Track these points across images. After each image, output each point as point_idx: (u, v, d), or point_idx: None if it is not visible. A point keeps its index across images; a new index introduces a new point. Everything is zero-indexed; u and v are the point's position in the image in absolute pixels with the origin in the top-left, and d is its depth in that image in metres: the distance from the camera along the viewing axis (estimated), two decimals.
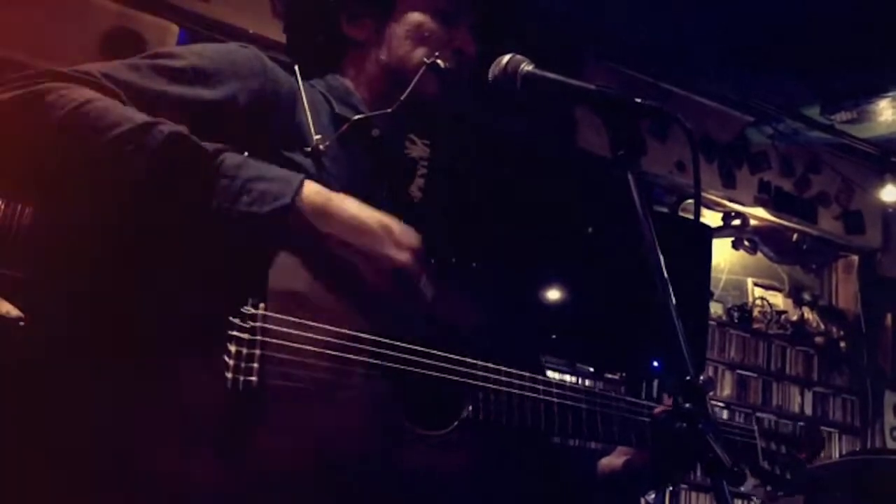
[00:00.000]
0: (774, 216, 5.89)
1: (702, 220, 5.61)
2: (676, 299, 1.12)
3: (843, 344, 6.28)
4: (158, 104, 1.21)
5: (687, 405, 1.06)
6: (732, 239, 6.06)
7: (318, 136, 1.36)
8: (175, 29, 3.95)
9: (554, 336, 3.88)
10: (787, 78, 5.11)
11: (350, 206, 1.24)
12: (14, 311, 1.92)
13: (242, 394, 1.13)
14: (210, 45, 1.38)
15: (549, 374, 1.47)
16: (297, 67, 1.46)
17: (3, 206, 3.59)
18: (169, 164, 1.12)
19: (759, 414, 5.73)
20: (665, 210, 5.52)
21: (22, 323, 1.06)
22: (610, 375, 4.79)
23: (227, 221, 1.15)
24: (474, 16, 1.55)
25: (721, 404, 5.66)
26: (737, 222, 5.86)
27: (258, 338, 1.16)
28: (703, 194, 5.59)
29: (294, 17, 1.60)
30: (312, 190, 1.21)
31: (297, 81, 1.43)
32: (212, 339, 1.14)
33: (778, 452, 1.67)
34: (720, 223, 5.84)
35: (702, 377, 1.11)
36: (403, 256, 1.23)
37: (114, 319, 1.10)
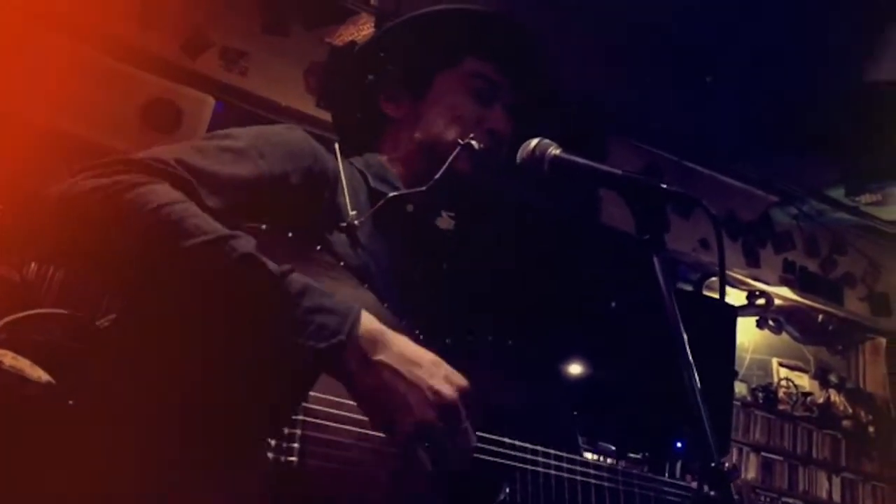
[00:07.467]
0: (800, 296, 5.84)
1: (726, 298, 5.57)
2: (700, 379, 1.09)
3: (871, 429, 6.13)
4: (225, 185, 1.25)
5: (712, 493, 1.05)
6: (757, 318, 6.00)
7: (352, 213, 1.40)
8: (211, 101, 4.07)
9: (575, 413, 3.83)
10: (811, 159, 5.13)
11: (402, 340, 1.18)
12: (45, 377, 1.94)
13: (283, 474, 1.13)
14: (262, 127, 1.42)
15: None
16: (337, 146, 1.51)
17: (35, 269, 3.67)
18: (236, 285, 1.11)
19: (785, 499, 5.58)
20: (689, 288, 5.50)
21: (71, 402, 1.08)
22: (632, 455, 4.70)
23: (285, 349, 1.12)
24: (508, 97, 1.60)
25: None
26: (761, 301, 5.79)
27: (300, 417, 1.17)
28: (727, 272, 5.56)
29: (335, 95, 1.66)
30: (368, 322, 1.16)
31: (338, 160, 1.48)
32: (256, 421, 1.15)
33: None
34: (744, 301, 5.79)
35: (727, 463, 1.10)
36: (452, 393, 1.15)
37: (159, 397, 1.11)
